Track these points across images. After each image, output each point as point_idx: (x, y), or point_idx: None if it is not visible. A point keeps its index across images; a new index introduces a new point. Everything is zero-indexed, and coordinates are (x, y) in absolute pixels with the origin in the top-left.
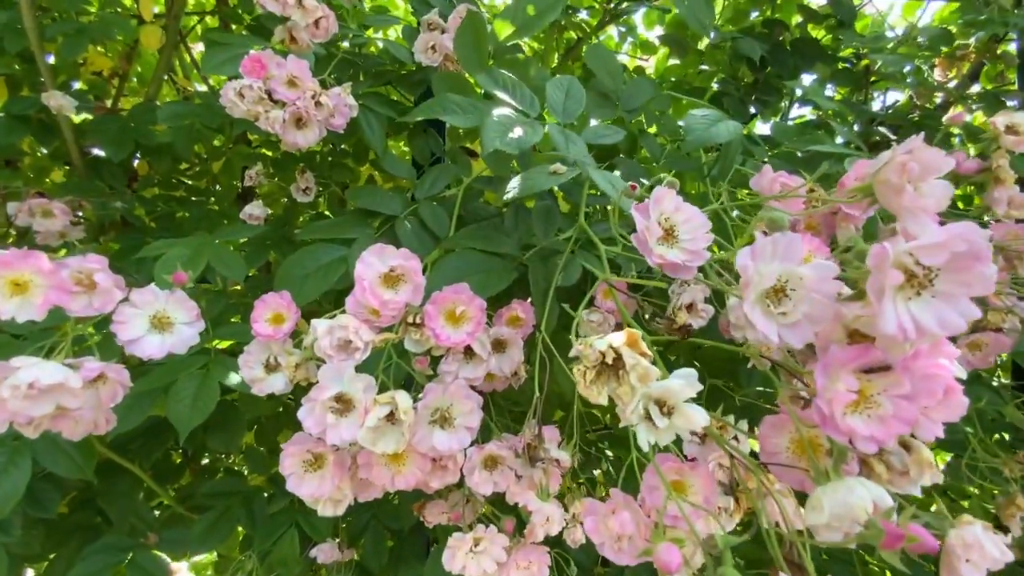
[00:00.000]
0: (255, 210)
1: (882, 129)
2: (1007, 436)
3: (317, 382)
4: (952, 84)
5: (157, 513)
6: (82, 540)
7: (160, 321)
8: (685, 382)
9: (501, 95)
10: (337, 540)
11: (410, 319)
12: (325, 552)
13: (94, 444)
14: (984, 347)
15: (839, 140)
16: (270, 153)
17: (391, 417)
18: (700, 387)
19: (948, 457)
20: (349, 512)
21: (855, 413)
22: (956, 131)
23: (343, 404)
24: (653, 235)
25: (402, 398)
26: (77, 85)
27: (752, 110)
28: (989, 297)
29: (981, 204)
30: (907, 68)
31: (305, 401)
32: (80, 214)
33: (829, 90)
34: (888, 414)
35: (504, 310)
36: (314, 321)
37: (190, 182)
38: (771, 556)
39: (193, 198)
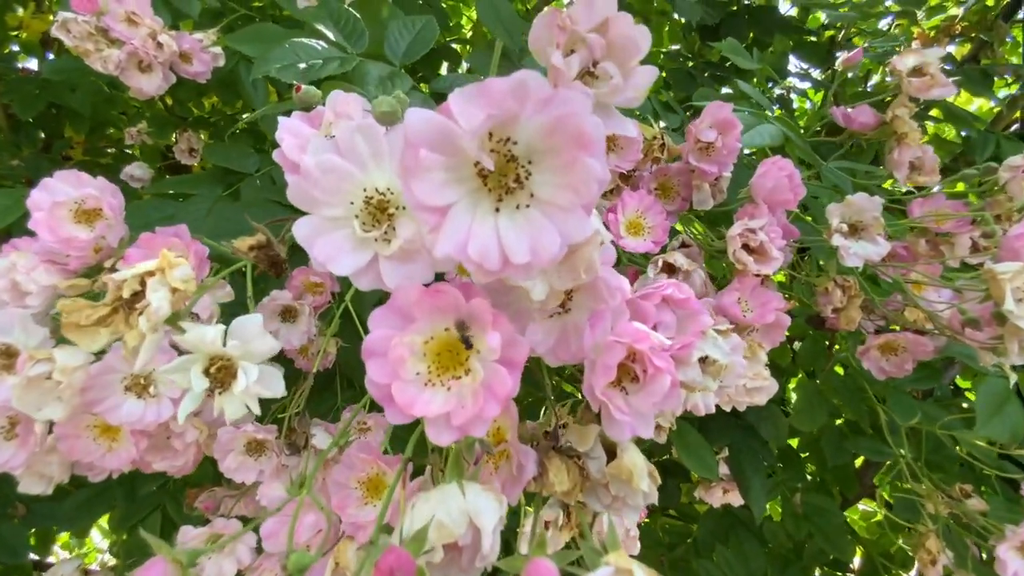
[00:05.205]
0: (136, 171)
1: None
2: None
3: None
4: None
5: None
6: None
7: None
8: (222, 332)
9: (322, 28)
10: None
11: (108, 264)
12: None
13: None
14: (900, 350)
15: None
16: (195, 112)
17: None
18: (272, 343)
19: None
20: None
21: (436, 385)
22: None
23: (9, 359)
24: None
25: (65, 355)
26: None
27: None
28: (911, 290)
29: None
30: (880, 42)
31: None
32: None
33: (793, 65)
34: (478, 384)
35: (297, 272)
36: None
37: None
38: None
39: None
